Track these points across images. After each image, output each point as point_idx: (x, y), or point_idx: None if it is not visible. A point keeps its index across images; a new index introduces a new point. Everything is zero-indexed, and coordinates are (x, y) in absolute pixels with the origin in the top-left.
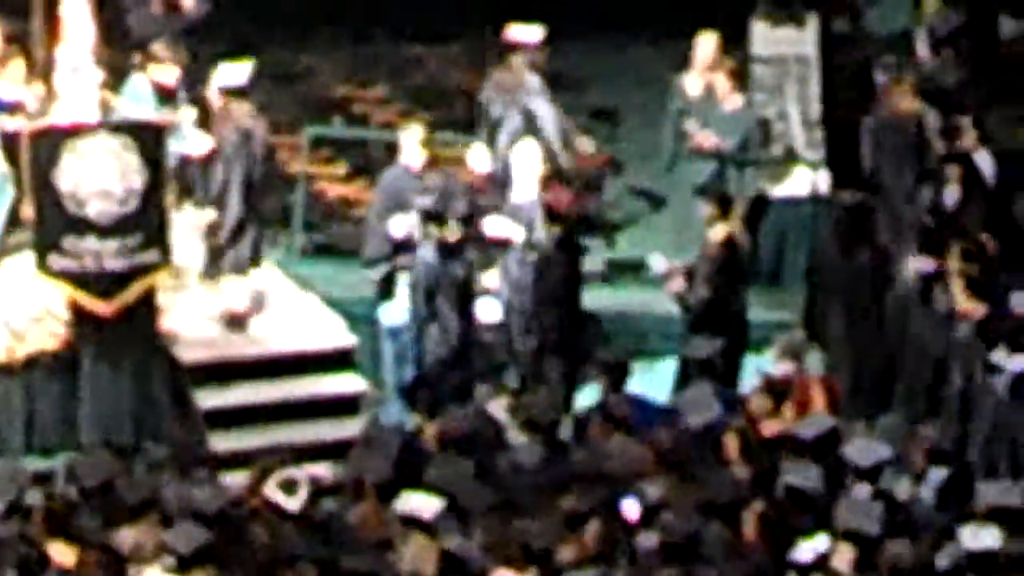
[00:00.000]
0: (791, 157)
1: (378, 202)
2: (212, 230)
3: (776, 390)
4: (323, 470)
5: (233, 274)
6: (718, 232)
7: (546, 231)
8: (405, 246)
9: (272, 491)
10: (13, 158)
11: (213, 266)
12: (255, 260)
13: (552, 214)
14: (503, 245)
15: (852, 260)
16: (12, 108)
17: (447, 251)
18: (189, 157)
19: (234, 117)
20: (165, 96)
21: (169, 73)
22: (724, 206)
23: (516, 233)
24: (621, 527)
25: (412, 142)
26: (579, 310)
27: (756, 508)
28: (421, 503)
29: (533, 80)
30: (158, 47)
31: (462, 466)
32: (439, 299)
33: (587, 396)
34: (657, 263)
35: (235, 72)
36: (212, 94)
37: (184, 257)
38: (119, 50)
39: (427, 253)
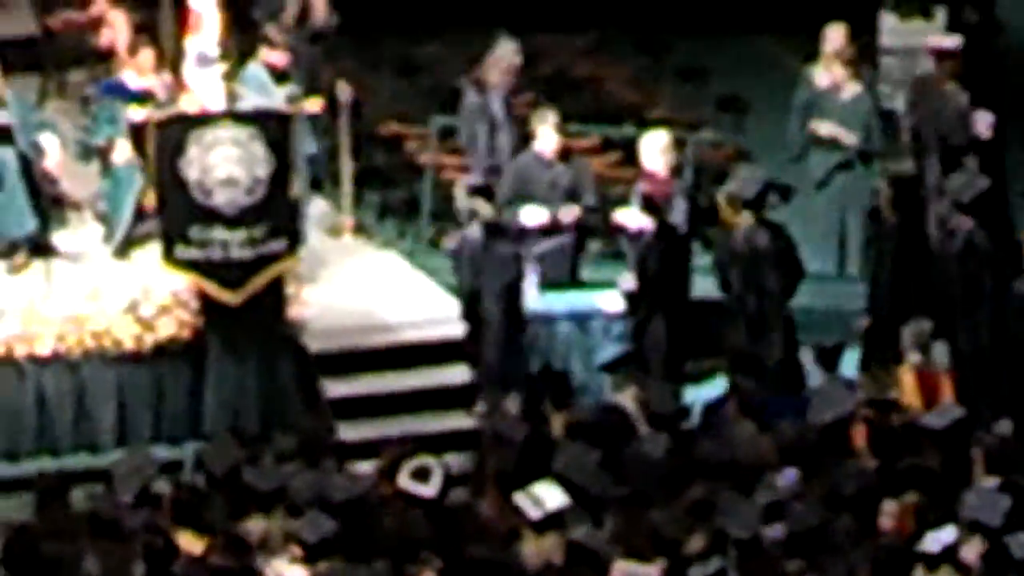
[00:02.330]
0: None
1: (508, 190)
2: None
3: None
4: (451, 460)
5: None
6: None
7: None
8: (537, 235)
9: (405, 479)
10: (141, 148)
11: None
12: None
13: (648, 204)
14: (636, 235)
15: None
16: (140, 97)
17: (494, 230)
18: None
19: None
20: (279, 79)
21: (280, 56)
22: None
23: (647, 223)
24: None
25: (545, 130)
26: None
27: (903, 502)
28: (555, 493)
29: None
30: (270, 30)
31: (589, 456)
32: (483, 279)
33: (714, 387)
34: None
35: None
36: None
37: (316, 248)
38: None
39: (474, 231)
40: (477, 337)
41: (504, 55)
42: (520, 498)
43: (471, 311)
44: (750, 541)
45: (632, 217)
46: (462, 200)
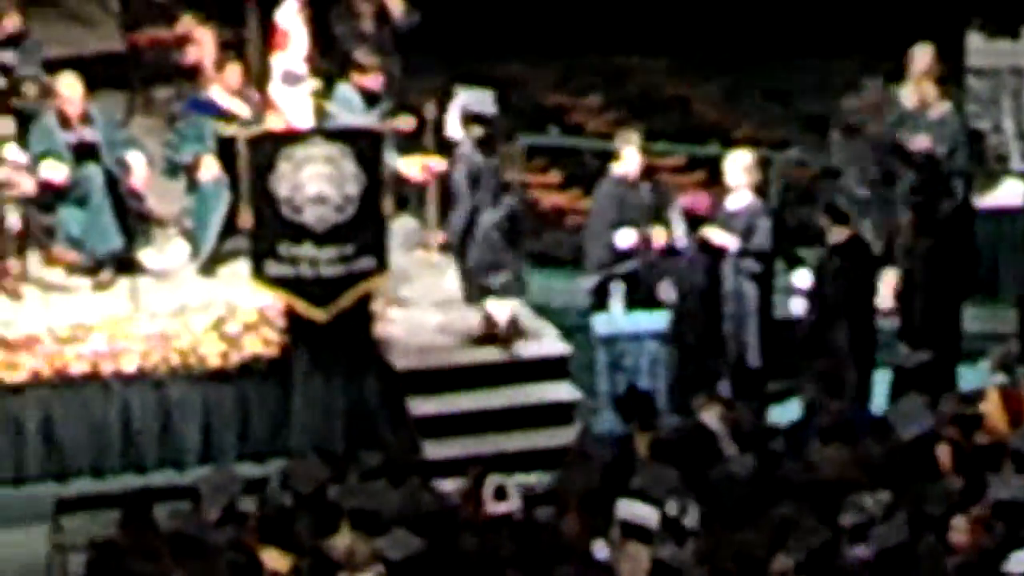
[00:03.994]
0: (1004, 169)
1: (597, 212)
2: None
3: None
4: (536, 479)
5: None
6: (836, 236)
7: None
8: (622, 255)
9: (486, 499)
10: (229, 164)
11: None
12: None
13: (691, 218)
14: (720, 253)
15: None
16: (227, 114)
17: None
18: (405, 177)
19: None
20: (370, 102)
21: (374, 79)
22: (836, 215)
23: (731, 241)
24: (835, 539)
25: (631, 149)
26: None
27: (971, 516)
28: (642, 511)
29: None
30: (360, 54)
31: (673, 476)
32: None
33: (797, 407)
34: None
35: (478, 99)
36: (451, 119)
37: (401, 266)
38: (327, 59)
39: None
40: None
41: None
42: (619, 509)
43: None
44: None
45: (717, 235)
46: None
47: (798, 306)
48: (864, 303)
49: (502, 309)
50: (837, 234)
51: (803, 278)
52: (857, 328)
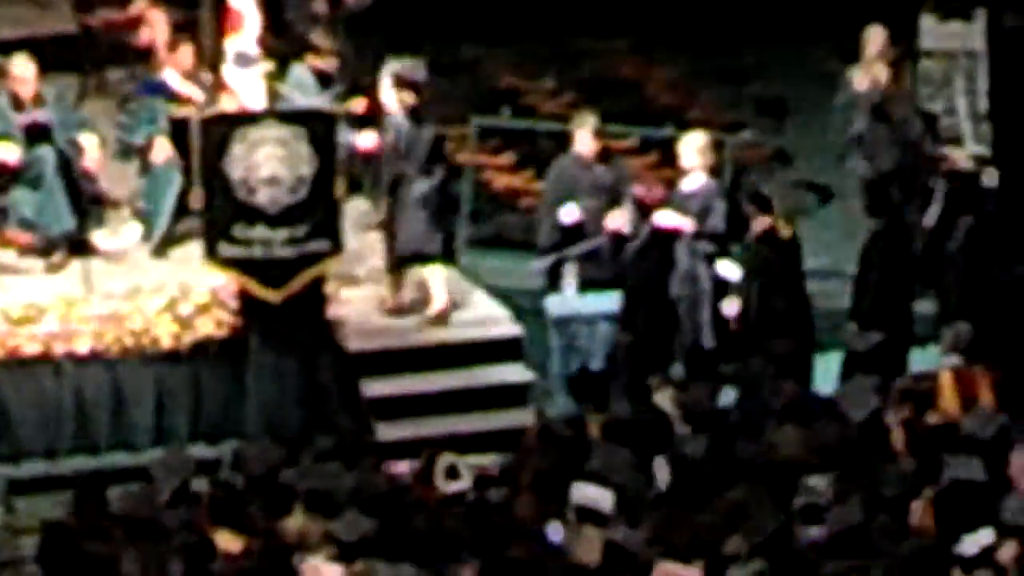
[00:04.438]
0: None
1: (549, 192)
2: (383, 224)
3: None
4: (489, 460)
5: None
6: (758, 225)
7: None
8: (575, 236)
9: (437, 479)
10: (181, 146)
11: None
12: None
13: (641, 208)
14: (674, 236)
15: None
16: (179, 96)
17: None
18: (357, 149)
19: (404, 111)
20: (324, 84)
21: (328, 61)
22: (761, 203)
23: (686, 223)
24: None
25: (585, 132)
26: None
27: (925, 497)
28: (596, 494)
29: None
30: (316, 36)
31: (626, 457)
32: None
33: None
34: None
35: (410, 66)
36: (383, 86)
37: (354, 248)
38: (280, 41)
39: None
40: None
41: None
42: (572, 491)
43: None
44: (784, 543)
45: (671, 217)
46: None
47: (731, 306)
48: (794, 288)
49: (434, 276)
50: (760, 223)
51: (729, 269)
52: (791, 312)
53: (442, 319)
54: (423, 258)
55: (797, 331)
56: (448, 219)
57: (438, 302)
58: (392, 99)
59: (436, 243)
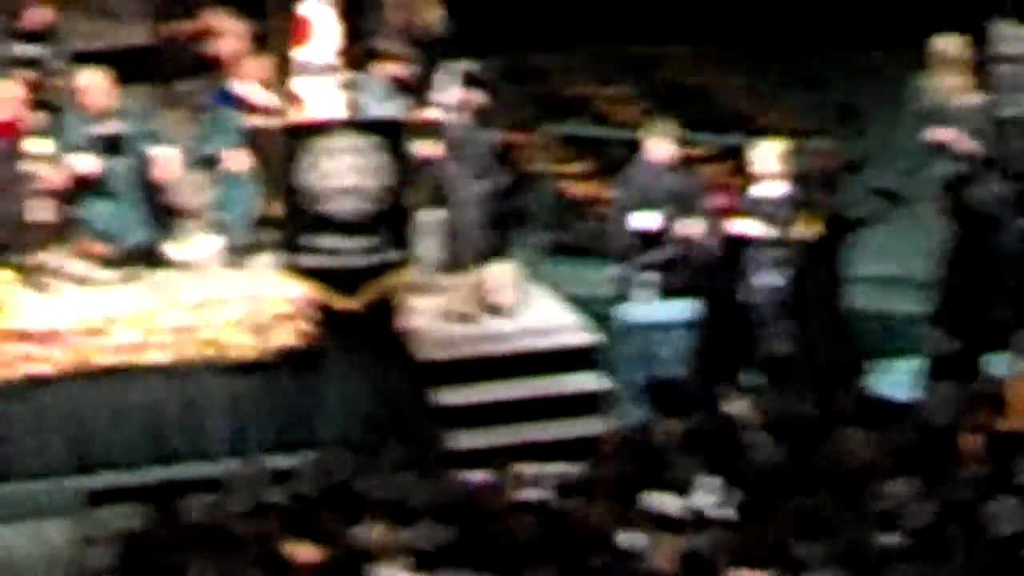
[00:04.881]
0: None
1: (621, 199)
2: (449, 227)
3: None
4: (565, 468)
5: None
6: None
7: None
8: (649, 244)
9: (514, 487)
10: (260, 155)
11: (452, 262)
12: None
13: (714, 216)
14: (749, 243)
15: None
16: (253, 106)
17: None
18: (424, 158)
19: (469, 112)
20: (401, 91)
21: (404, 68)
22: (805, 204)
23: (760, 230)
24: (865, 527)
25: (658, 139)
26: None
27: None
28: (669, 501)
29: None
30: (389, 43)
31: (701, 465)
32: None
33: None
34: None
35: (482, 65)
36: (443, 86)
37: (425, 256)
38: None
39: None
40: None
41: None
42: (647, 499)
43: None
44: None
45: (747, 225)
46: None
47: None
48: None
49: (499, 274)
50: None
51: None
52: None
53: (496, 311)
54: (478, 261)
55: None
56: (507, 225)
57: (495, 296)
58: (453, 99)
59: (489, 247)
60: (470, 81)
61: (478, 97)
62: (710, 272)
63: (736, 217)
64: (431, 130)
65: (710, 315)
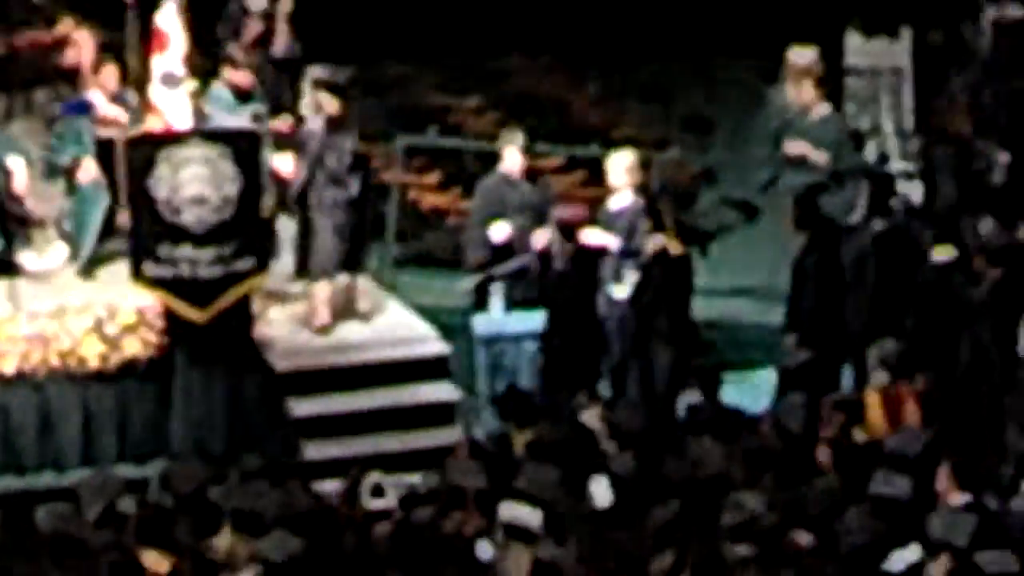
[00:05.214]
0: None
1: (477, 210)
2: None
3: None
4: (416, 479)
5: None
6: (651, 244)
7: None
8: (502, 255)
9: (363, 497)
10: (108, 166)
11: (307, 271)
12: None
13: (563, 229)
14: (599, 254)
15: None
16: (105, 117)
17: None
18: (278, 174)
19: (323, 118)
20: (242, 99)
21: (245, 76)
22: (655, 216)
23: (612, 241)
24: (715, 537)
25: (512, 150)
26: (680, 319)
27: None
28: (525, 512)
29: None
30: (233, 49)
31: (553, 475)
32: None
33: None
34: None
35: (332, 71)
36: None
37: (281, 266)
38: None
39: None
40: None
41: None
42: (502, 509)
43: None
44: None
45: (596, 235)
46: None
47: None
48: (679, 308)
49: (322, 289)
50: (653, 242)
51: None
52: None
53: (323, 331)
54: (330, 272)
55: (680, 348)
56: (361, 233)
57: (321, 317)
58: (311, 105)
59: (345, 255)
60: (325, 86)
61: (329, 103)
62: (561, 283)
63: (588, 228)
64: (286, 141)
65: (561, 326)
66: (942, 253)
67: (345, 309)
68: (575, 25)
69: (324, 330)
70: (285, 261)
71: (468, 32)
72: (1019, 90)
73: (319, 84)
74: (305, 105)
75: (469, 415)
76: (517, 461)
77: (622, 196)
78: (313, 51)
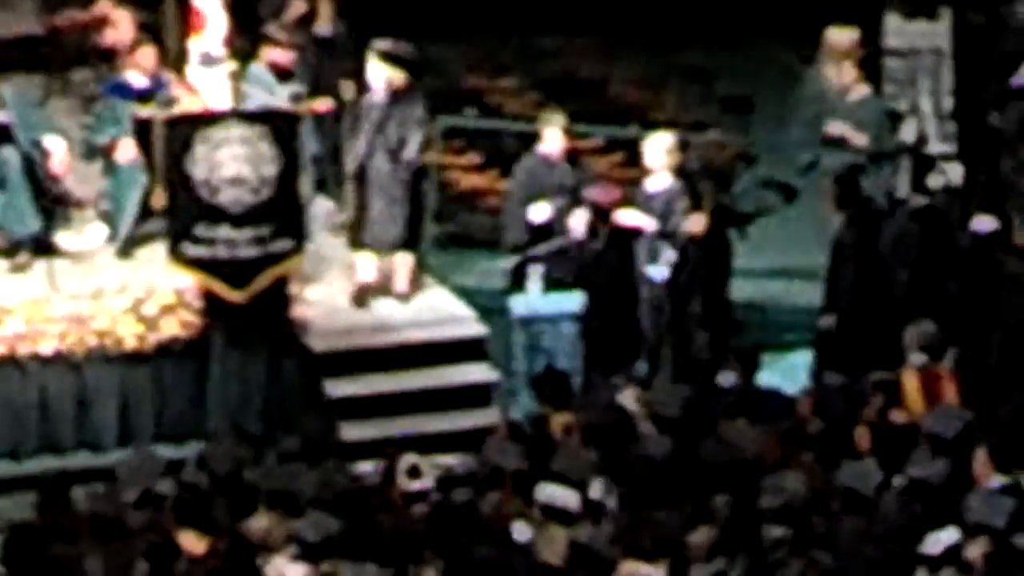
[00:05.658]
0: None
1: (516, 191)
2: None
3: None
4: (454, 460)
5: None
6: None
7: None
8: (541, 236)
9: (400, 478)
10: (145, 146)
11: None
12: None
13: (598, 211)
14: (634, 235)
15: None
16: (144, 96)
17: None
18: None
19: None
20: (282, 78)
21: (285, 55)
22: (696, 197)
23: (648, 222)
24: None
25: (553, 131)
26: (717, 300)
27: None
28: (562, 493)
29: None
30: (273, 29)
31: (589, 457)
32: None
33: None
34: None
35: (398, 43)
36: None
37: (318, 247)
38: (246, 38)
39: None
40: None
41: None
42: (540, 491)
43: None
44: (749, 542)
45: (632, 216)
46: None
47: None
48: (717, 289)
49: (366, 262)
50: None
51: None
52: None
53: (403, 298)
54: (387, 245)
55: (717, 329)
56: (418, 207)
57: (400, 284)
58: (378, 77)
59: (401, 230)
60: (390, 58)
61: (396, 76)
62: (596, 264)
63: (624, 209)
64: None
65: (597, 307)
66: (983, 222)
67: (382, 287)
68: (615, 5)
69: (404, 297)
70: (319, 242)
71: (507, 12)
72: None
73: (384, 56)
74: (369, 74)
75: (506, 396)
76: (554, 442)
77: (659, 177)
78: (353, 30)
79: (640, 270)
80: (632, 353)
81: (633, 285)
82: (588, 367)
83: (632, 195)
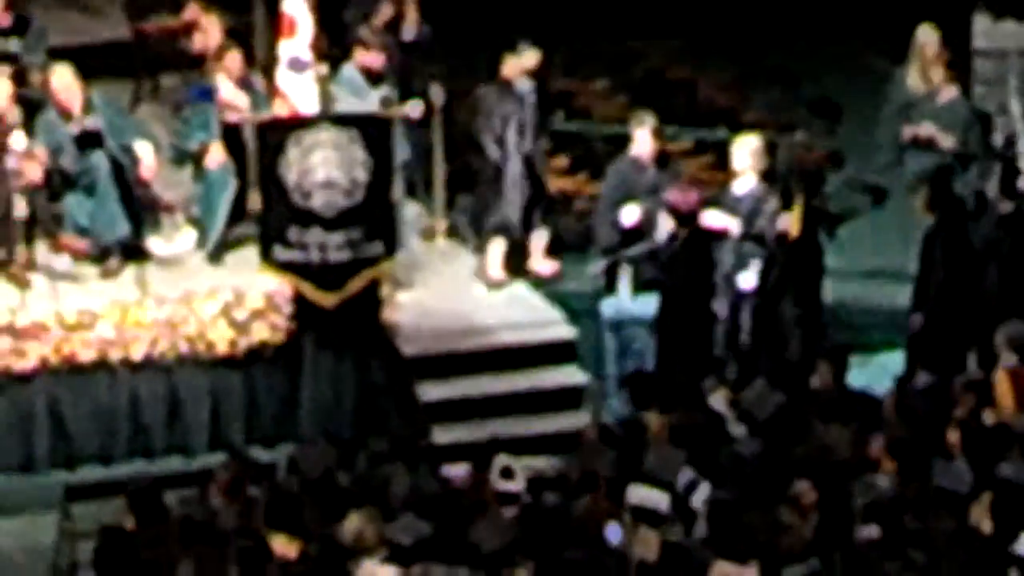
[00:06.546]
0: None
1: (608, 194)
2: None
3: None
4: (545, 463)
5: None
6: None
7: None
8: (632, 238)
9: (493, 480)
10: (234, 150)
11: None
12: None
13: (677, 214)
14: (720, 236)
15: None
16: (229, 103)
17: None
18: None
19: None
20: (373, 81)
21: (375, 57)
22: (786, 198)
23: (733, 224)
24: (843, 519)
25: (643, 133)
26: (809, 302)
27: (984, 500)
28: (653, 496)
29: None
30: (363, 31)
31: (681, 459)
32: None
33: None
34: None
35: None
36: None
37: (409, 252)
38: (335, 45)
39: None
40: None
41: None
42: (631, 493)
43: None
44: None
45: (717, 218)
46: None
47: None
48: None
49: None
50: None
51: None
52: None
53: (495, 286)
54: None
55: (808, 331)
56: (539, 190)
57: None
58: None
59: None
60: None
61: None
62: (675, 265)
63: (710, 211)
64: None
65: (672, 309)
66: None
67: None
68: (703, 8)
69: (497, 285)
70: (409, 246)
71: (595, 15)
72: None
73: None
74: (508, 70)
75: (597, 399)
76: (646, 445)
77: (745, 180)
78: (440, 36)
79: (724, 273)
80: (710, 354)
81: (710, 288)
82: (664, 368)
83: (718, 197)
